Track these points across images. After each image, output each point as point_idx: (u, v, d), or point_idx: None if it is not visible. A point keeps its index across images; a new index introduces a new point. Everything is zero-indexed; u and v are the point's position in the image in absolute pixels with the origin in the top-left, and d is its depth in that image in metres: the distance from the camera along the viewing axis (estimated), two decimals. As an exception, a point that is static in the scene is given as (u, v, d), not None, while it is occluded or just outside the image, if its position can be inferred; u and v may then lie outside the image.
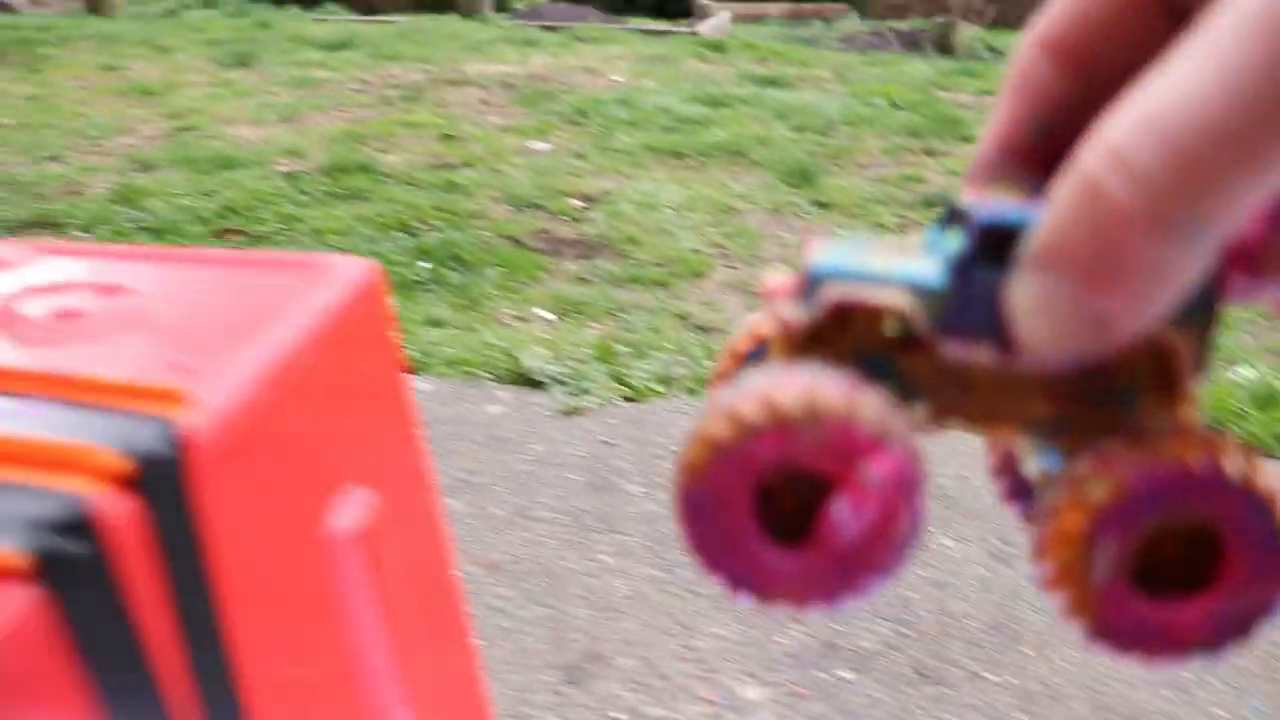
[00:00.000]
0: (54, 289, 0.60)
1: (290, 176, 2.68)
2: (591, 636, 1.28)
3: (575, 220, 2.64)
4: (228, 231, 2.33)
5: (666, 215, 2.69)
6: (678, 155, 3.26)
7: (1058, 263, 0.18)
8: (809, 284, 0.23)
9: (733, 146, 3.32)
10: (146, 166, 2.81)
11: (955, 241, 0.22)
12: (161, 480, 0.39)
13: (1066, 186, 0.17)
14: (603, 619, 1.32)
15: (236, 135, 3.14)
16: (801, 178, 3.05)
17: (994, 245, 0.21)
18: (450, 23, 5.52)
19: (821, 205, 2.89)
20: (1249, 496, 0.21)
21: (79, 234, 2.28)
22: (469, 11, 6.23)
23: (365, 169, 2.72)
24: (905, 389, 0.23)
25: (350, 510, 0.54)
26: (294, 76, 3.93)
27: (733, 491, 0.22)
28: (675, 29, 6.08)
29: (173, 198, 2.51)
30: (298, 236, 2.31)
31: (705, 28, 5.98)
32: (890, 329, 0.23)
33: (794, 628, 1.32)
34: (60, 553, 0.35)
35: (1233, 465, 0.21)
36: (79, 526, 0.35)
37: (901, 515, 0.21)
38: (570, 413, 1.74)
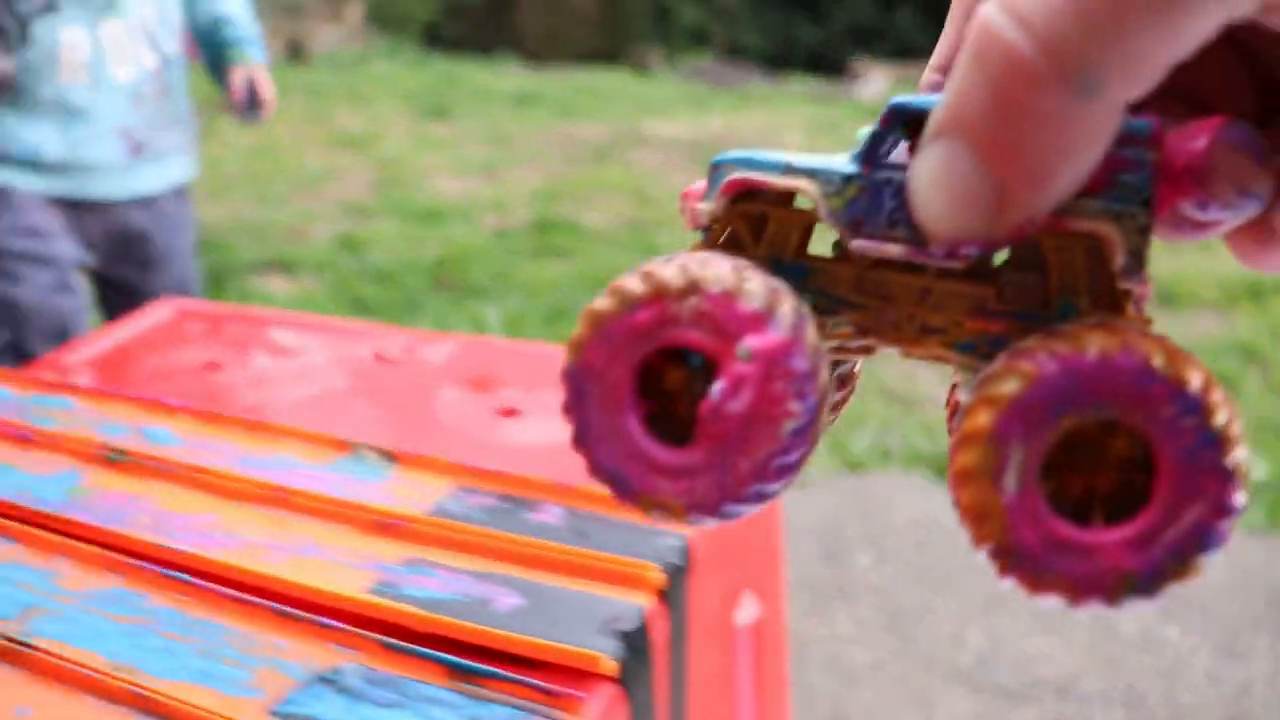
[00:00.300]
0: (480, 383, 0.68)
1: (499, 232, 2.81)
2: (835, 705, 1.31)
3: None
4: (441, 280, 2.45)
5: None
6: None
7: (954, 128, 0.17)
8: (713, 176, 0.22)
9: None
10: (362, 214, 2.99)
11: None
12: (675, 588, 0.45)
13: (965, 47, 0.16)
14: (844, 689, 1.35)
15: (440, 187, 3.31)
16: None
17: (908, 132, 0.20)
18: (623, 79, 5.67)
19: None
20: (1178, 391, 0.18)
21: (309, 276, 2.45)
22: (640, 67, 6.39)
23: (569, 227, 2.84)
24: (824, 300, 0.22)
25: (747, 609, 0.59)
26: (487, 130, 4.12)
27: (613, 367, 0.21)
28: (834, 92, 6.09)
29: (390, 246, 2.66)
30: (510, 290, 2.41)
31: (865, 92, 5.99)
32: (798, 226, 0.22)
33: (1030, 706, 1.32)
34: (629, 656, 0.40)
35: (1161, 358, 0.18)
36: (640, 633, 0.41)
37: (784, 400, 0.20)
38: (801, 484, 1.77)
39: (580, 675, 0.38)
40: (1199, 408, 0.18)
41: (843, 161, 0.21)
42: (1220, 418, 0.18)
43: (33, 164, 1.18)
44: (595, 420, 0.21)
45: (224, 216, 2.96)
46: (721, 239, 0.22)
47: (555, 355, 0.60)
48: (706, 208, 0.22)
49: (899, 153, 0.20)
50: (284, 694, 0.37)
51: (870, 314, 0.22)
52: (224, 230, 2.80)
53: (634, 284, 0.20)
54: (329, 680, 0.38)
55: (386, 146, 3.88)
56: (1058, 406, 0.18)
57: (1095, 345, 0.18)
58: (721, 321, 0.20)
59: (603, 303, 0.20)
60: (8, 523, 0.45)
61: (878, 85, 6.27)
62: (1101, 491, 0.19)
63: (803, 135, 4.40)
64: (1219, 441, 0.18)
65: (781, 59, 7.77)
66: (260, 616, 0.41)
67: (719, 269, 0.20)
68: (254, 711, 0.36)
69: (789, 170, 0.21)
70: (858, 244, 0.21)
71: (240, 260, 2.48)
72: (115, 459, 0.51)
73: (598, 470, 0.21)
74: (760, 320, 0.20)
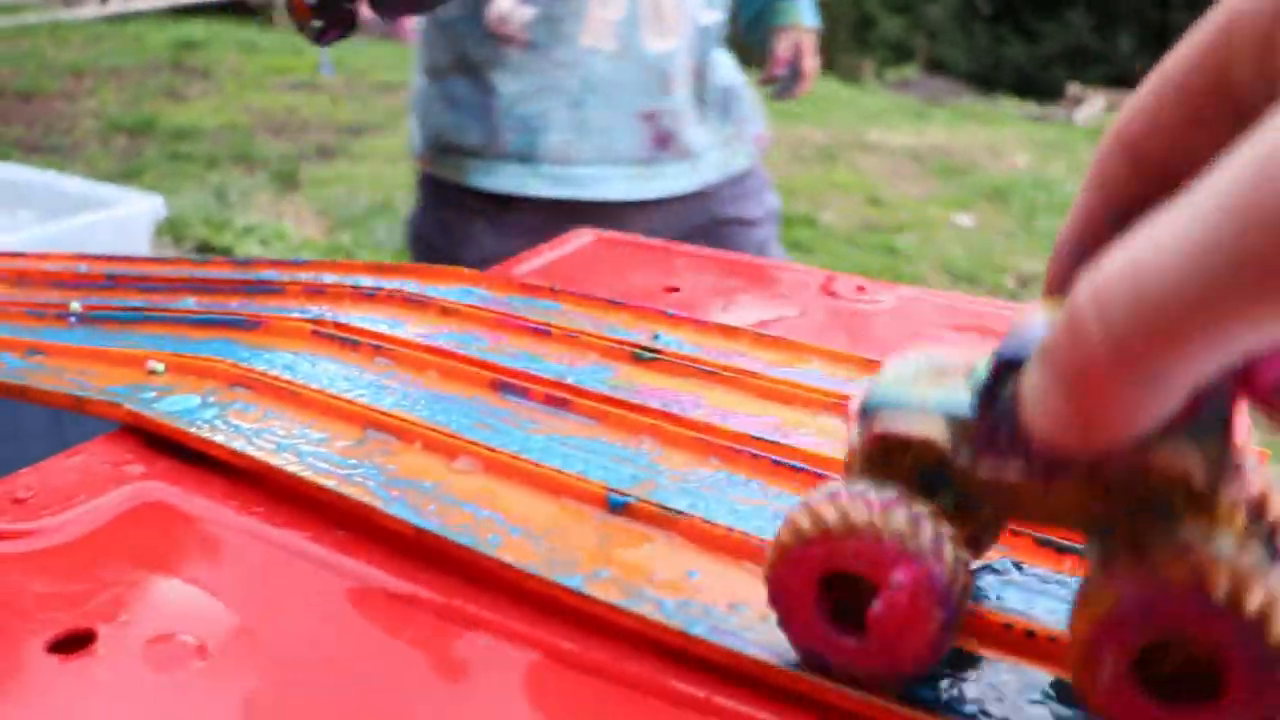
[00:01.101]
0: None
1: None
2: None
3: (1012, 297, 2.57)
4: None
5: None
6: (1101, 245, 3.13)
7: (1050, 365, 0.18)
8: (863, 413, 0.27)
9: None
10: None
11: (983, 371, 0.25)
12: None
13: (1066, 302, 0.18)
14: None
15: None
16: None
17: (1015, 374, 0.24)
18: (834, 87, 5.59)
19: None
20: (1236, 619, 0.21)
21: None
22: (849, 77, 6.29)
23: (808, 222, 2.79)
24: (963, 498, 0.26)
25: None
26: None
27: (799, 585, 0.27)
28: (1051, 113, 5.86)
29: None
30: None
31: (1081, 116, 5.75)
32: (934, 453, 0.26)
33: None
34: None
35: (1222, 587, 0.21)
36: None
37: (929, 610, 0.25)
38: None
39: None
40: (1254, 630, 0.21)
41: (964, 401, 0.25)
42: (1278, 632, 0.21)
43: (521, 156, 0.91)
44: (792, 620, 0.27)
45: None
46: (873, 450, 0.27)
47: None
48: (855, 441, 0.27)
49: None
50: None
51: (1005, 507, 0.26)
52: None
53: (805, 523, 0.26)
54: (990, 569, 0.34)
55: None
56: (1137, 626, 0.23)
57: (1167, 574, 0.22)
58: (873, 558, 0.25)
59: (784, 536, 0.27)
60: (575, 400, 0.43)
61: (1094, 111, 6.02)
62: (1189, 680, 0.23)
63: (1030, 154, 4.24)
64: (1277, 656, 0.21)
65: (985, 77, 7.55)
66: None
67: (866, 511, 0.25)
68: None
69: (925, 416, 0.26)
70: (984, 469, 0.25)
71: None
72: (643, 356, 0.48)
73: (797, 649, 0.28)
74: (904, 555, 0.25)
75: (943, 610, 0.25)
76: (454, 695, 0.29)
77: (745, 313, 0.59)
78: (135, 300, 0.68)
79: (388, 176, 3.14)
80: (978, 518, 0.27)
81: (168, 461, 0.41)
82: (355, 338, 0.49)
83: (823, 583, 0.27)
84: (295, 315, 0.53)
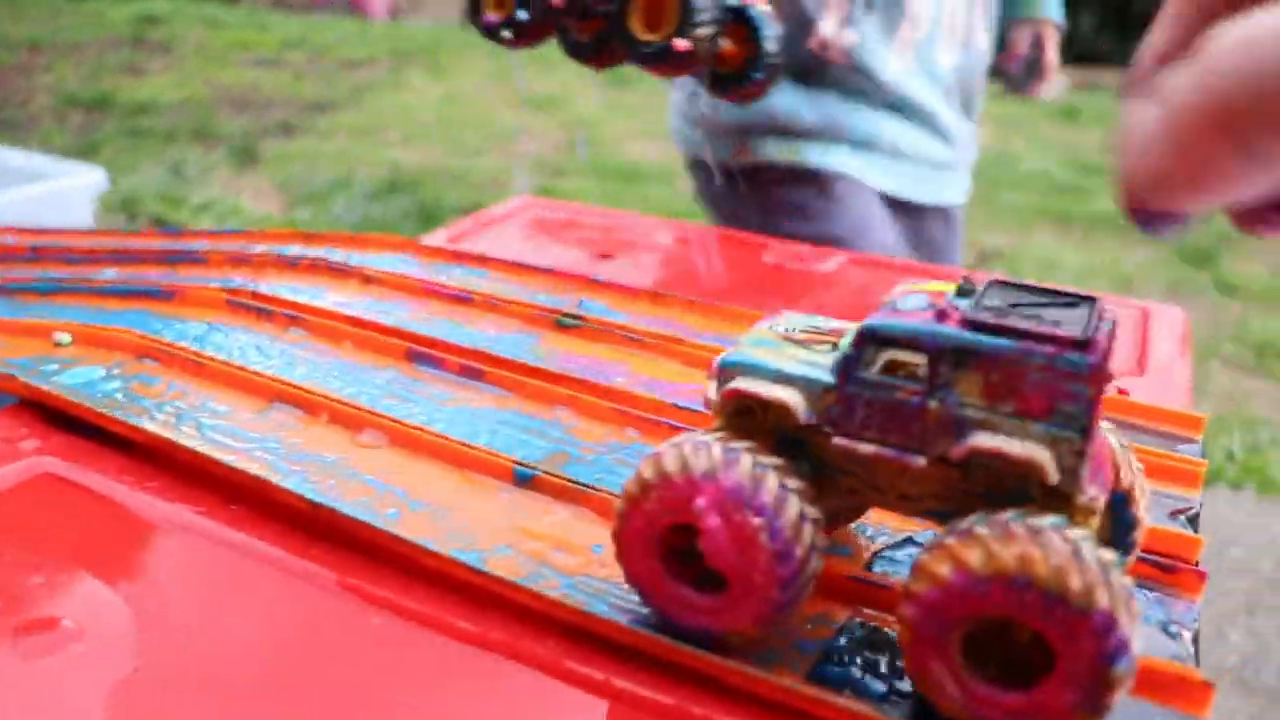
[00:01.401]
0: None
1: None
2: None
3: (972, 271, 2.58)
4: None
5: (1067, 280, 2.58)
6: (1065, 220, 3.13)
7: (1168, 117, 0.19)
8: (721, 370, 0.27)
9: (1117, 217, 3.15)
10: (558, 171, 2.98)
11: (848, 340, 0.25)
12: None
13: (1186, 68, 0.18)
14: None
15: (633, 150, 3.28)
16: (1200, 257, 2.86)
17: (880, 348, 0.25)
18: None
19: (1226, 287, 2.70)
20: (1057, 604, 0.22)
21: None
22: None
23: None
24: (819, 467, 0.26)
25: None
26: (672, 101, 4.07)
27: (643, 535, 0.27)
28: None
29: (590, 201, 2.64)
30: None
31: (1047, 93, 5.74)
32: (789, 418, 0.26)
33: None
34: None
35: (1044, 570, 0.22)
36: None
37: (765, 565, 0.25)
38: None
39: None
40: (1078, 615, 0.22)
41: (824, 369, 0.25)
42: (1101, 607, 0.22)
43: (866, 145, 0.91)
44: (638, 570, 0.27)
45: (422, 160, 2.99)
46: (733, 412, 0.27)
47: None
48: (713, 401, 0.27)
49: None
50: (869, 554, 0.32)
51: (858, 480, 0.26)
52: (425, 173, 2.82)
53: (648, 471, 0.26)
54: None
55: (575, 109, 3.87)
56: (960, 606, 0.23)
57: (988, 559, 0.22)
58: (686, 500, 0.25)
59: (629, 486, 0.26)
60: (491, 370, 0.41)
61: (1058, 87, 6.01)
62: (1019, 660, 0.23)
63: (992, 130, 4.23)
64: (1104, 630, 0.21)
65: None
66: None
67: (707, 460, 0.25)
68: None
69: (778, 379, 0.26)
70: (837, 442, 0.25)
71: (445, 202, 2.49)
72: (565, 324, 0.46)
73: (655, 612, 0.28)
74: (740, 505, 0.25)
75: (782, 566, 0.25)
76: (345, 674, 0.28)
77: (680, 285, 0.58)
78: (56, 272, 0.66)
79: (351, 153, 3.10)
80: (837, 488, 0.26)
81: (65, 436, 0.40)
82: (270, 307, 0.47)
83: (671, 538, 0.26)
84: (214, 285, 0.51)
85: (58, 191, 1.19)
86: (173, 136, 3.30)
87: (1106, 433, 0.26)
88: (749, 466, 0.25)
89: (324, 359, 0.43)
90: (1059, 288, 0.25)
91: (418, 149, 3.15)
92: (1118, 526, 0.27)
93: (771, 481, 0.25)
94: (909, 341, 0.24)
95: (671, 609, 0.27)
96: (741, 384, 0.26)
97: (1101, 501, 0.24)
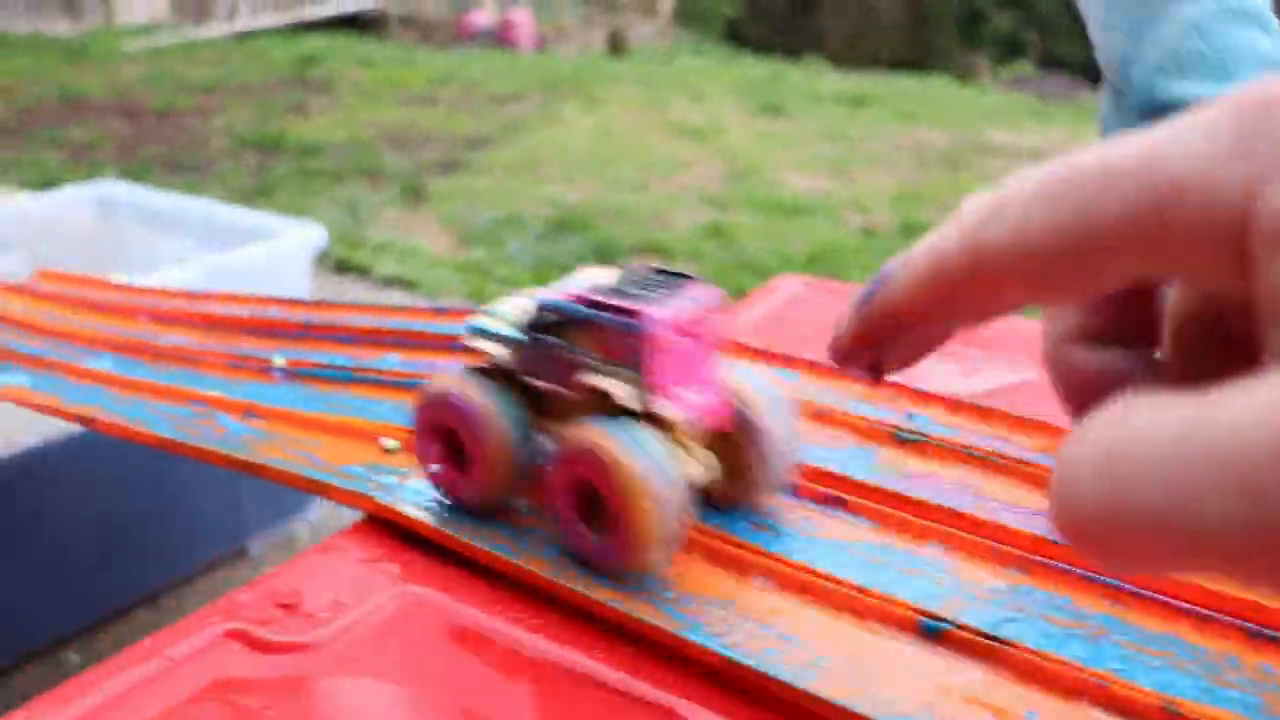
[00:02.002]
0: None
1: (866, 232, 2.72)
2: None
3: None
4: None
5: None
6: None
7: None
8: (467, 331, 0.39)
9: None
10: (719, 205, 2.97)
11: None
12: None
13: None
14: None
15: (791, 182, 3.26)
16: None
17: (545, 315, 0.36)
18: (947, 85, 5.46)
19: None
20: (605, 470, 0.34)
21: (682, 262, 2.45)
22: (962, 74, 6.14)
23: (940, 231, 2.72)
24: (527, 393, 0.38)
25: None
26: (825, 129, 4.03)
27: (427, 429, 0.40)
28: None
29: (756, 238, 2.63)
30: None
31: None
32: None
33: None
34: None
35: (606, 444, 0.34)
36: None
37: (489, 458, 0.38)
38: None
39: None
40: (616, 478, 0.33)
41: (521, 331, 0.37)
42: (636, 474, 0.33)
43: None
44: (425, 452, 0.40)
45: (582, 196, 3.03)
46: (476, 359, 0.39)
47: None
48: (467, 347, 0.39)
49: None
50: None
51: (544, 401, 0.38)
52: (588, 209, 2.85)
53: (424, 392, 0.40)
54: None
55: (728, 139, 3.87)
56: (568, 470, 0.35)
57: (581, 440, 0.34)
58: (459, 418, 0.38)
59: (416, 395, 0.40)
60: (853, 499, 0.40)
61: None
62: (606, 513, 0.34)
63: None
64: (639, 494, 0.33)
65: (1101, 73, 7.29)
66: (1224, 634, 0.33)
67: (458, 387, 0.38)
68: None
69: (484, 337, 0.38)
70: (529, 382, 0.38)
71: (617, 241, 2.51)
72: (904, 438, 0.45)
73: (432, 482, 0.41)
74: (478, 420, 0.38)
75: (509, 461, 0.38)
76: None
77: (985, 378, 0.55)
78: (338, 356, 0.68)
79: (510, 189, 3.16)
80: (540, 406, 0.38)
81: (422, 559, 0.40)
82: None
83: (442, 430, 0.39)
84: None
85: (282, 250, 1.23)
86: (340, 175, 3.42)
87: (743, 380, 0.38)
88: (497, 404, 0.37)
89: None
90: (679, 270, 0.36)
91: (576, 184, 3.19)
92: (747, 454, 0.37)
93: (512, 418, 0.38)
94: (554, 311, 0.36)
95: (442, 482, 0.40)
96: (468, 341, 0.38)
97: (681, 418, 0.35)
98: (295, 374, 0.67)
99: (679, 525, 0.34)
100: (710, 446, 0.37)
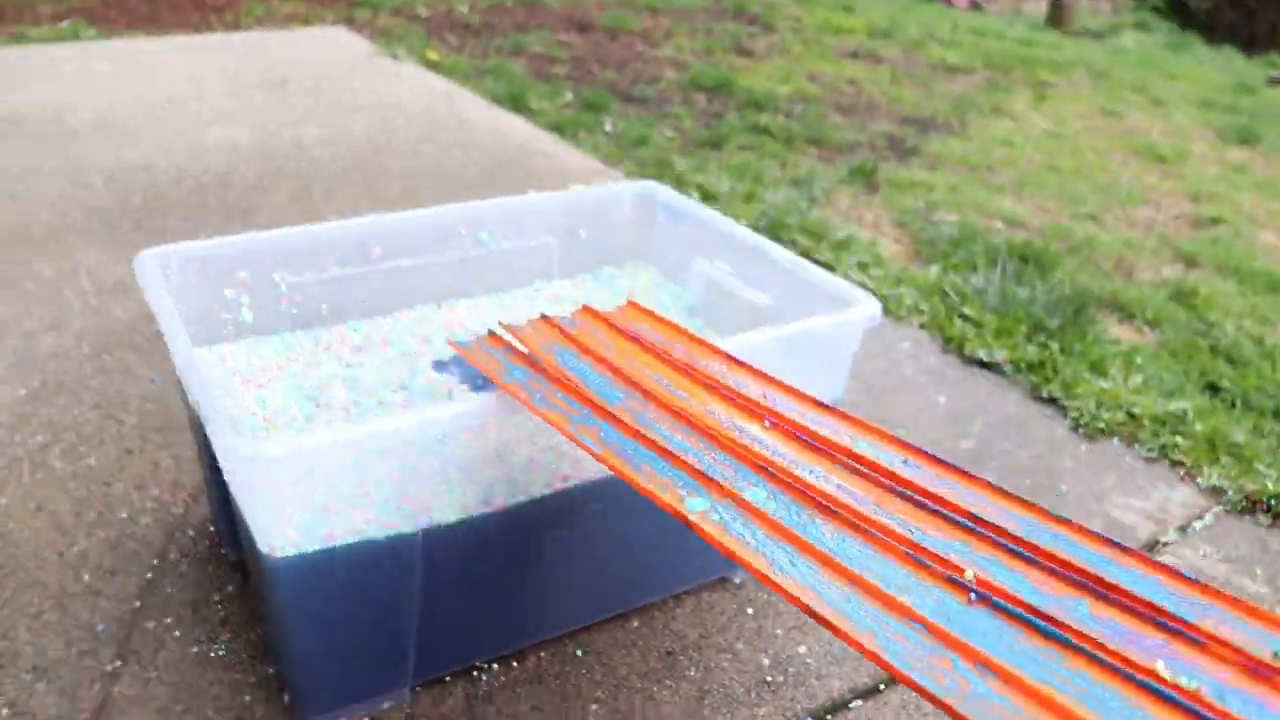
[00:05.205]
0: None
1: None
2: None
3: None
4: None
5: None
6: None
7: None
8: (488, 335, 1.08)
9: None
10: (1186, 259, 2.78)
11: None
12: None
13: None
14: None
15: (1268, 243, 2.99)
16: None
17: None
18: None
19: None
20: None
21: (1145, 327, 2.33)
22: None
23: None
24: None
25: None
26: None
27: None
28: None
29: (1235, 317, 2.40)
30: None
31: None
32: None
33: None
34: None
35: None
36: None
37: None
38: None
39: None
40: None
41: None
42: None
43: None
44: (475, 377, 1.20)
45: (1037, 216, 2.92)
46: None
47: None
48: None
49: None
50: None
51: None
52: (1046, 235, 2.75)
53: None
54: None
55: (1191, 168, 3.59)
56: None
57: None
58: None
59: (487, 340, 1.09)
60: None
61: None
62: None
63: None
64: None
65: None
66: None
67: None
68: None
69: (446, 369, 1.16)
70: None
71: (1084, 292, 2.39)
72: None
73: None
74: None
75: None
76: None
77: None
78: (1024, 579, 0.71)
79: (964, 193, 3.10)
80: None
81: None
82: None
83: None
84: None
85: (843, 326, 1.29)
86: (790, 140, 3.49)
87: None
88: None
89: None
90: None
91: (1030, 199, 3.08)
92: None
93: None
94: None
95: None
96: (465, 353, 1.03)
97: None
98: (989, 600, 0.70)
99: None
100: None
